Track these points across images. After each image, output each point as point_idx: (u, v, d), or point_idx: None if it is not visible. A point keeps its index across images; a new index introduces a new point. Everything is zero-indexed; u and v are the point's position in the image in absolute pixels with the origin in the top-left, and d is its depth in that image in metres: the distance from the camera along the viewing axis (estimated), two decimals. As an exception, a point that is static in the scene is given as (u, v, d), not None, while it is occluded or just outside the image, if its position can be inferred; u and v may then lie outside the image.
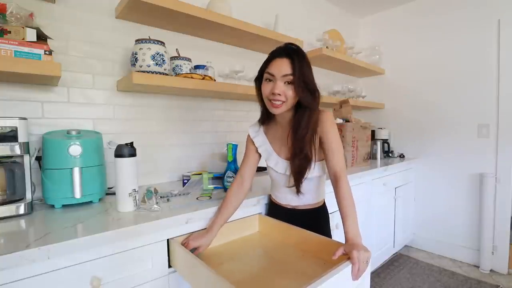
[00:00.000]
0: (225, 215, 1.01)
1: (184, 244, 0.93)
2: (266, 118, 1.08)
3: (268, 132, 1.10)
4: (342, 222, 0.87)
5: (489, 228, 2.19)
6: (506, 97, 2.15)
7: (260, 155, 1.12)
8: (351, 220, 0.86)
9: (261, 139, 1.09)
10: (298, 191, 1.01)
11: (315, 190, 1.07)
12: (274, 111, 0.95)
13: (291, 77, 0.90)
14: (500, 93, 2.18)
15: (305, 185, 1.02)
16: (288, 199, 1.10)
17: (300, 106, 0.96)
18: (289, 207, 1.10)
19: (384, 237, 2.25)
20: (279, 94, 0.91)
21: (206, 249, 0.98)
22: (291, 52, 0.92)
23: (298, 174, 0.98)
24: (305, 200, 1.07)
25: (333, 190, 0.95)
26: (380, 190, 2.13)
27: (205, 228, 1.01)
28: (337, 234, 1.35)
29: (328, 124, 0.97)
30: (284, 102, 0.92)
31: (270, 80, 0.94)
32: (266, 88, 0.94)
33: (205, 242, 0.95)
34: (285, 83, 0.91)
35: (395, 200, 2.36)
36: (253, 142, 1.10)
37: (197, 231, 1.00)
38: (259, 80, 1.01)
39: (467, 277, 2.12)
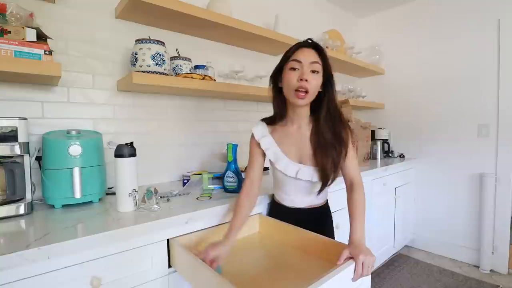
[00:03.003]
0: (240, 221, 0.96)
1: (202, 255, 0.81)
2: (278, 117, 1.04)
3: (275, 133, 1.04)
4: (350, 222, 0.88)
5: (489, 228, 2.19)
6: (506, 97, 2.15)
7: (264, 155, 1.07)
8: (359, 223, 0.86)
9: (267, 141, 1.03)
10: (321, 191, 1.00)
11: (321, 192, 1.08)
12: (300, 102, 0.93)
13: (318, 65, 0.91)
14: (500, 93, 2.18)
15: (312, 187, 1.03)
16: (295, 201, 1.07)
17: (317, 99, 0.97)
18: (291, 207, 1.09)
19: (384, 237, 2.25)
20: (307, 80, 0.90)
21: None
22: (314, 44, 0.95)
23: (333, 174, 0.94)
24: (310, 201, 1.07)
25: (334, 190, 0.95)
26: (380, 190, 2.13)
27: (204, 229, 1.01)
28: (338, 234, 1.35)
29: (347, 130, 1.00)
30: (308, 92, 0.91)
31: (295, 69, 0.92)
32: (292, 77, 0.92)
33: (224, 251, 0.85)
34: (311, 71, 0.91)
35: (395, 200, 2.36)
36: (259, 144, 1.04)
37: (197, 231, 1.00)
38: (276, 76, 1.00)
39: (467, 277, 2.12)
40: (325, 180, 0.96)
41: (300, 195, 1.05)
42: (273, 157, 1.02)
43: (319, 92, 0.97)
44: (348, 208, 0.93)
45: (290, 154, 1.01)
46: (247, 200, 1.01)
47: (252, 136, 1.06)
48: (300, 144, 1.01)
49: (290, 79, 0.92)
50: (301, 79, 0.90)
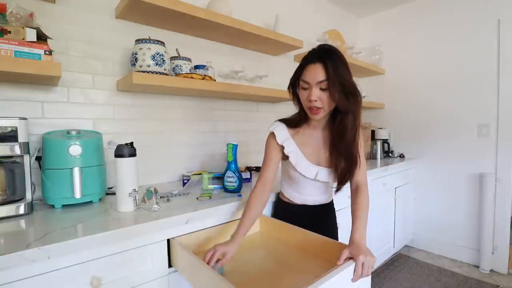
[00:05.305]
0: (249, 222, 0.95)
1: (210, 253, 0.83)
2: (301, 121, 1.04)
3: (297, 136, 1.05)
4: (352, 222, 0.90)
5: (489, 228, 2.19)
6: (506, 97, 2.15)
7: (281, 157, 1.07)
8: (361, 224, 0.88)
9: (290, 143, 1.03)
10: (338, 190, 1.06)
11: (330, 191, 1.13)
12: (314, 117, 0.96)
13: (325, 83, 0.89)
14: (500, 93, 2.18)
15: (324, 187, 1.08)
16: (306, 200, 1.11)
17: (339, 110, 0.95)
18: (301, 204, 1.11)
19: (384, 237, 2.25)
20: (316, 101, 0.91)
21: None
22: (323, 55, 0.90)
23: (345, 177, 1.00)
24: (320, 200, 1.12)
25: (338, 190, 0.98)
26: (380, 190, 2.13)
27: (204, 229, 1.01)
28: (339, 232, 1.35)
29: (360, 138, 1.02)
30: (321, 108, 0.92)
31: (305, 88, 0.93)
32: (303, 95, 0.95)
33: (232, 249, 0.87)
34: (320, 89, 0.90)
35: (395, 200, 2.36)
36: (281, 146, 1.03)
37: (197, 231, 1.00)
38: (293, 86, 1.01)
39: (467, 277, 2.12)
40: (342, 181, 1.01)
41: (313, 195, 1.10)
42: (295, 160, 1.03)
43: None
44: (351, 208, 0.95)
45: (310, 157, 1.04)
46: (259, 201, 1.00)
47: (273, 137, 1.04)
48: (318, 147, 1.04)
49: (303, 98, 0.96)
50: (309, 100, 0.92)
